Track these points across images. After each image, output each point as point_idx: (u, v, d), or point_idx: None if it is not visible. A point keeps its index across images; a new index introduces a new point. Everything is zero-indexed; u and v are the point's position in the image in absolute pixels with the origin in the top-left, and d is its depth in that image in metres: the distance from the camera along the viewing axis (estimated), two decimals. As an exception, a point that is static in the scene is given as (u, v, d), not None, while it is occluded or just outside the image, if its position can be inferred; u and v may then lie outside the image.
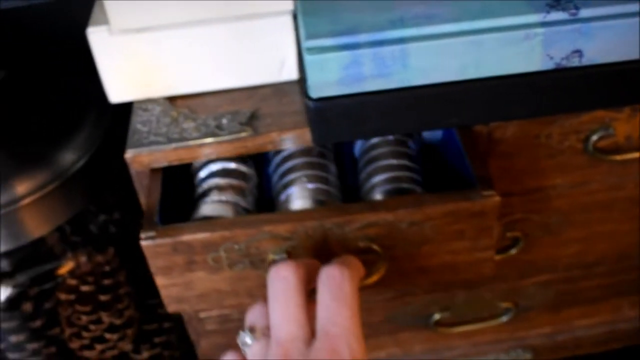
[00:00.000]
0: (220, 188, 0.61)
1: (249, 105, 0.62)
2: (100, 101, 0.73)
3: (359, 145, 0.66)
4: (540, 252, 0.72)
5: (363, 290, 0.52)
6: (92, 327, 0.75)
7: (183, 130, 0.60)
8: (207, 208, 0.60)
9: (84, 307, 0.74)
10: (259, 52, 0.61)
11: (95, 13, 0.61)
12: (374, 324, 0.77)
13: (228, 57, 0.61)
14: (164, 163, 0.59)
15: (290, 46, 0.61)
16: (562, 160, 0.65)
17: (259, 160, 0.67)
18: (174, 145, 0.59)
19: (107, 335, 0.76)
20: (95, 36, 0.59)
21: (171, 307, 0.59)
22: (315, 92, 0.52)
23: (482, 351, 0.81)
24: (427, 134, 0.67)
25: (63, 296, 0.73)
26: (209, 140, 0.59)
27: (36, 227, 0.71)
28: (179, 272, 0.56)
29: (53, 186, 0.69)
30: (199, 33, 0.60)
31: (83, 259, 0.73)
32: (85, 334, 0.75)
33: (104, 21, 0.59)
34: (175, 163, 0.60)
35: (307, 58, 0.50)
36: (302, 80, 0.57)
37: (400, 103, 0.53)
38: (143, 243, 0.54)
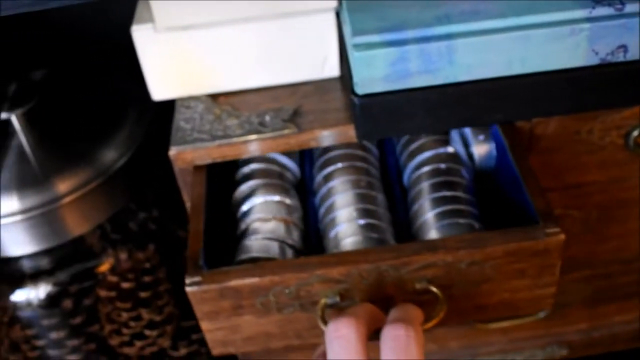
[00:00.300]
0: (264, 223, 0.59)
1: (291, 103, 0.62)
2: (142, 99, 0.74)
3: (407, 174, 0.64)
4: (579, 248, 0.72)
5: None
6: (132, 323, 0.76)
7: (226, 127, 0.60)
8: (253, 247, 0.58)
9: (125, 304, 0.74)
10: (302, 50, 0.62)
11: (140, 11, 0.61)
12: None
13: (271, 55, 0.62)
14: (207, 160, 0.60)
15: (333, 44, 0.61)
16: (602, 156, 0.65)
17: (302, 191, 0.65)
18: (217, 142, 0.59)
19: (147, 332, 0.77)
20: (140, 34, 0.60)
21: (216, 350, 0.57)
22: (361, 88, 0.52)
23: (518, 347, 0.81)
24: (479, 162, 0.63)
25: (103, 293, 0.74)
26: (253, 137, 0.59)
27: (78, 225, 0.72)
28: (226, 316, 0.54)
29: (95, 184, 0.70)
30: (242, 31, 0.60)
31: (124, 256, 0.73)
32: (125, 330, 0.76)
33: (149, 19, 0.60)
34: (219, 160, 0.60)
35: (354, 55, 0.50)
36: (346, 77, 0.58)
37: (445, 99, 0.53)
38: (188, 289, 0.52)
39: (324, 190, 0.62)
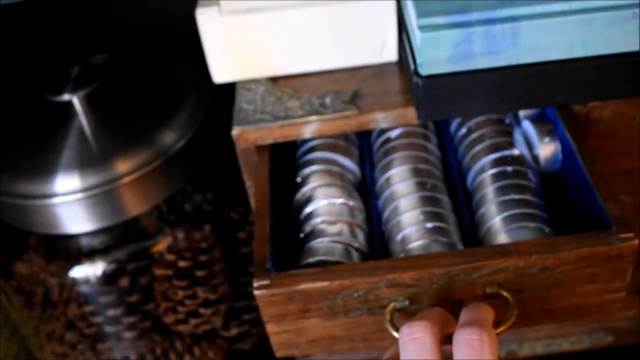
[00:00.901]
0: (329, 225, 0.59)
1: (351, 85, 0.63)
2: (201, 83, 0.76)
3: (472, 177, 0.63)
4: (630, 234, 0.73)
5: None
6: (187, 302, 0.78)
7: (288, 108, 0.62)
8: (319, 250, 0.57)
9: (181, 282, 0.76)
10: (361, 34, 0.63)
11: (204, -5, 0.63)
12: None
13: (330, 39, 0.63)
14: (269, 140, 0.61)
15: (392, 28, 0.62)
16: (657, 142, 0.65)
17: (363, 193, 0.65)
18: (280, 122, 0.61)
19: (202, 310, 0.79)
20: (205, 17, 0.62)
21: (280, 353, 0.57)
22: (425, 69, 0.53)
23: (565, 333, 0.81)
24: (545, 164, 0.63)
25: (160, 271, 0.75)
26: (314, 117, 0.60)
27: (136, 204, 0.73)
28: (292, 319, 0.54)
29: (154, 165, 0.71)
30: (303, 15, 0.62)
31: (181, 235, 0.75)
32: (180, 308, 0.78)
33: (213, 2, 0.61)
34: (280, 140, 0.61)
35: (420, 35, 0.51)
36: (406, 60, 0.59)
37: (507, 81, 0.54)
38: (256, 292, 0.52)
39: (387, 193, 0.62)
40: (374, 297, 0.52)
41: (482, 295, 0.53)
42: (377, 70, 0.65)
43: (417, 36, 0.52)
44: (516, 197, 0.58)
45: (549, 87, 0.55)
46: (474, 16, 0.51)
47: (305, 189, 0.62)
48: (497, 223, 0.58)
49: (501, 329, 0.50)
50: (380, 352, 0.57)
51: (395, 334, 0.50)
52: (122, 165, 0.71)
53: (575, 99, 0.56)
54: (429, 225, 0.58)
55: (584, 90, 0.55)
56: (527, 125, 0.64)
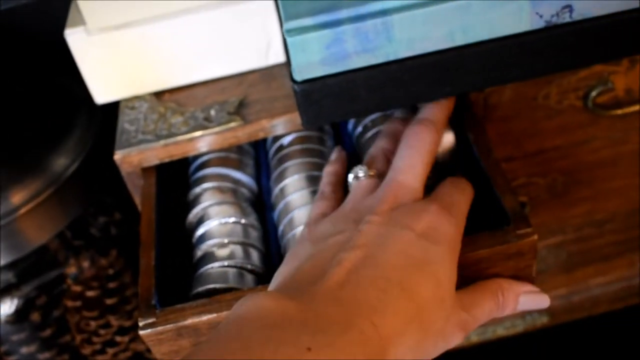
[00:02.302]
0: (220, 248, 0.55)
1: (238, 93, 0.60)
2: (89, 101, 0.72)
3: None
4: (548, 214, 0.71)
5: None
6: (101, 331, 0.74)
7: (171, 125, 0.58)
8: (210, 276, 0.53)
9: (92, 313, 0.73)
10: (244, 37, 0.60)
11: (72, 14, 0.60)
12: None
13: (212, 46, 0.60)
14: (154, 161, 0.58)
15: (274, 28, 0.60)
16: (562, 120, 0.63)
17: (261, 206, 0.62)
18: (162, 142, 0.57)
19: (118, 339, 0.75)
20: (73, 37, 0.58)
21: None
22: (299, 74, 0.50)
23: (497, 319, 0.80)
24: (442, 156, 0.58)
25: (70, 303, 0.72)
26: (199, 133, 0.57)
27: (36, 235, 0.70)
28: None
29: (48, 192, 0.68)
30: (180, 24, 0.58)
31: (86, 263, 0.72)
32: (95, 339, 0.74)
33: (81, 22, 0.58)
34: (167, 160, 0.58)
35: (288, 40, 0.48)
36: (287, 63, 0.56)
37: (388, 77, 0.51)
38: (142, 332, 0.48)
39: (282, 204, 0.58)
40: None
41: None
42: (265, 74, 0.62)
43: (286, 41, 0.49)
44: None
45: (434, 80, 0.52)
46: (343, 14, 0.48)
47: (196, 210, 0.58)
48: None
49: None
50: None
51: None
52: (16, 197, 0.68)
53: (464, 87, 0.54)
54: None
55: (472, 79, 0.53)
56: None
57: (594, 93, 0.62)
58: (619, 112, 0.63)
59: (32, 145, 0.70)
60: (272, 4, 0.58)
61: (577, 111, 0.63)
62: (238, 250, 0.55)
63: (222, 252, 0.54)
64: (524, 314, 0.81)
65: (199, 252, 0.56)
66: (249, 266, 0.54)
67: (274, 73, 0.62)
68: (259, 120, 0.57)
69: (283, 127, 0.58)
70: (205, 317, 0.48)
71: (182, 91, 0.62)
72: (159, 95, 0.62)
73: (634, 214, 0.74)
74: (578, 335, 0.84)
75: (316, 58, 0.49)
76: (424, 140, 0.51)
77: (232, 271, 0.53)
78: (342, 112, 0.52)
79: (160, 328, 0.48)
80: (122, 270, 0.74)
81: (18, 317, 0.72)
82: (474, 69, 0.52)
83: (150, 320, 0.48)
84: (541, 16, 0.50)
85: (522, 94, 0.61)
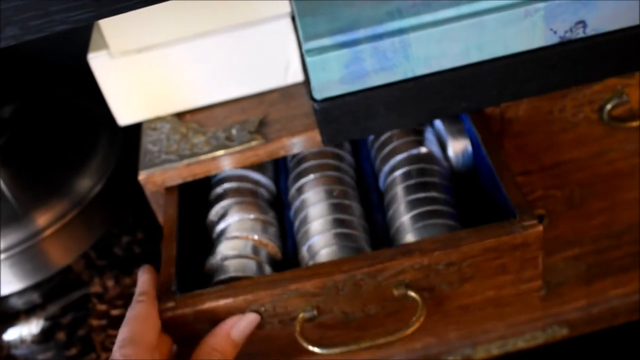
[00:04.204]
0: (240, 241, 0.58)
1: (258, 113, 0.61)
2: (111, 123, 0.73)
3: (382, 179, 0.62)
4: (565, 226, 0.72)
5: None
6: (126, 349, 0.75)
7: (193, 145, 0.60)
8: (230, 267, 0.56)
9: (116, 331, 0.73)
10: (263, 58, 0.61)
11: (95, 38, 0.61)
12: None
13: (232, 67, 0.61)
14: (178, 180, 0.59)
15: (293, 48, 0.61)
16: (578, 133, 0.64)
17: (279, 205, 0.64)
18: (185, 161, 0.59)
19: (143, 356, 0.76)
20: (97, 61, 0.59)
21: None
22: (319, 93, 0.51)
23: (518, 332, 0.80)
24: (457, 160, 0.62)
25: (95, 322, 0.73)
26: (220, 152, 0.58)
27: (61, 256, 0.71)
28: None
29: (73, 214, 0.69)
30: (200, 46, 0.60)
31: (110, 283, 0.73)
32: (121, 357, 0.75)
33: (104, 45, 0.59)
34: (190, 179, 0.59)
35: (308, 60, 0.49)
36: (307, 82, 0.57)
37: (406, 95, 0.52)
38: (162, 316, 0.51)
39: (297, 203, 0.61)
40: (283, 310, 0.51)
41: (391, 298, 0.52)
42: (284, 93, 0.63)
43: (306, 60, 0.50)
44: (422, 195, 0.57)
45: (451, 96, 0.53)
46: (361, 33, 0.50)
47: (217, 207, 0.60)
48: (405, 222, 0.57)
49: (411, 329, 0.50)
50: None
51: (307, 345, 0.50)
52: (41, 219, 0.69)
53: (480, 103, 0.55)
54: (336, 232, 0.57)
55: (488, 94, 0.54)
56: (438, 124, 0.63)
57: (608, 106, 0.62)
58: (634, 124, 0.64)
59: (57, 167, 0.71)
60: (290, 25, 0.59)
61: (592, 124, 0.64)
62: (257, 244, 0.58)
63: (242, 245, 0.57)
64: (544, 327, 0.81)
65: (220, 245, 0.58)
66: (267, 258, 0.57)
67: (293, 92, 0.63)
68: (279, 138, 0.59)
69: (303, 144, 0.59)
70: (222, 302, 0.50)
71: (203, 112, 0.63)
72: (180, 116, 0.63)
73: (651, 224, 0.75)
74: (598, 347, 0.84)
75: (335, 77, 0.50)
76: None
77: (251, 262, 0.56)
78: (361, 129, 0.54)
79: (179, 311, 0.50)
80: (145, 289, 0.74)
81: (44, 337, 0.73)
82: (490, 85, 0.53)
83: (169, 305, 0.51)
84: (555, 32, 0.52)
85: (538, 108, 0.61)
